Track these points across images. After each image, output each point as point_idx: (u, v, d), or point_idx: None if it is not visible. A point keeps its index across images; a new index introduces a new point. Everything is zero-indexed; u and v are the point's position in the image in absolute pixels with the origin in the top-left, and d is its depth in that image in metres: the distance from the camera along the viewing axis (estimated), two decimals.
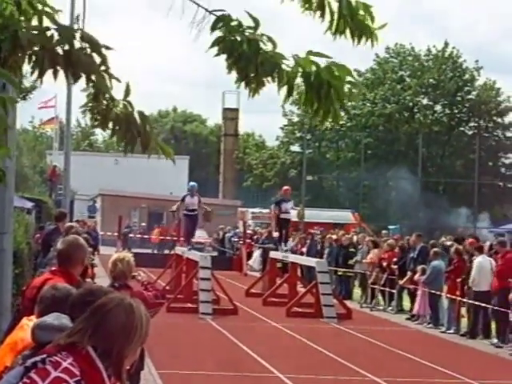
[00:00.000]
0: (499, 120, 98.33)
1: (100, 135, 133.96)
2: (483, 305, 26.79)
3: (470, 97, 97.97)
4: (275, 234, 41.89)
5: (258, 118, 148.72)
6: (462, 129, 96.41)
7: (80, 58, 6.07)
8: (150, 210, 64.19)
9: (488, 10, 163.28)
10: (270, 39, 6.10)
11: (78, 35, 6.10)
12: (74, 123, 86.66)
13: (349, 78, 6.25)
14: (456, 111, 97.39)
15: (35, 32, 6.19)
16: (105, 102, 6.40)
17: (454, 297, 28.93)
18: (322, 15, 6.28)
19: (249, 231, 61.97)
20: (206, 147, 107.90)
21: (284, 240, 36.51)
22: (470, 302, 27.73)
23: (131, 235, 56.60)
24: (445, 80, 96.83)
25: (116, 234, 54.55)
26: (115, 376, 4.98)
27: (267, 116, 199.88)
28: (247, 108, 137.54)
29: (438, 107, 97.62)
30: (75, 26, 5.96)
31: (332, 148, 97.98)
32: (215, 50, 6.11)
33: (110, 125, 6.42)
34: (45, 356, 4.88)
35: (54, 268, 10.18)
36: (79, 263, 10.12)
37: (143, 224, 62.51)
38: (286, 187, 40.01)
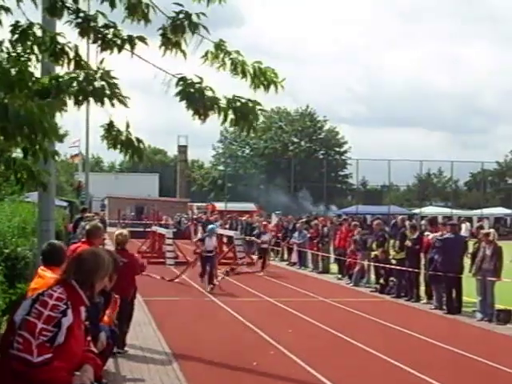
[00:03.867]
0: (337, 149, 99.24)
1: (106, 163, 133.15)
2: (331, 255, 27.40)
3: (321, 136, 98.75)
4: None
5: (198, 150, 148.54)
6: (316, 155, 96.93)
7: (101, 92, 6.15)
8: (136, 206, 63.59)
9: (330, 82, 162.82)
10: (210, 88, 6.21)
11: (98, 76, 6.06)
12: (90, 156, 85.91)
13: (260, 107, 6.39)
14: (313, 145, 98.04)
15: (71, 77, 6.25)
16: (114, 133, 6.53)
17: (313, 251, 29.50)
18: (245, 77, 6.47)
19: (194, 216, 62.35)
20: (168, 168, 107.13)
21: (262, 265, 27.95)
22: (325, 254, 28.34)
23: (126, 220, 56.16)
24: (306, 126, 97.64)
25: (117, 220, 54.65)
26: (89, 296, 5.06)
27: (203, 149, 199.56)
28: (192, 145, 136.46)
29: (303, 143, 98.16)
30: (99, 69, 5.72)
31: (242, 167, 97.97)
32: (179, 97, 6.22)
33: (119, 146, 6.54)
34: (44, 290, 4.96)
35: (83, 240, 10.49)
36: (98, 237, 10.46)
37: (132, 214, 61.93)
38: (264, 223, 34.05)
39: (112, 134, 6.45)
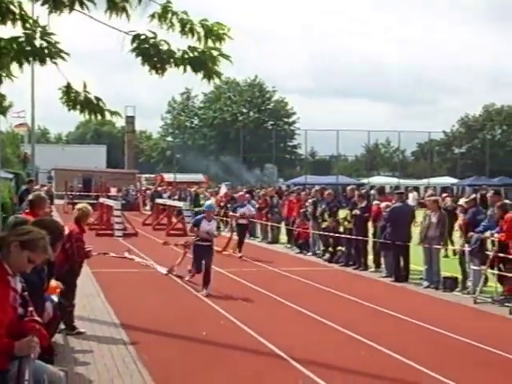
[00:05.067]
0: (286, 120, 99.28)
1: (52, 134, 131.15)
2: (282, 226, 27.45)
3: (269, 107, 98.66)
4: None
5: (146, 121, 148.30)
6: (265, 125, 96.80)
7: (41, 51, 6.03)
8: (83, 177, 62.71)
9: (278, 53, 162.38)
10: (165, 42, 6.18)
11: (38, 35, 6.05)
12: (36, 128, 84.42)
13: (218, 53, 6.32)
14: (262, 116, 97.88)
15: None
16: (72, 94, 6.43)
17: (262, 222, 29.54)
18: (193, 36, 6.37)
19: (143, 188, 62.26)
20: (116, 139, 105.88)
21: (239, 246, 23.55)
22: (274, 224, 28.40)
23: (73, 192, 55.46)
24: (255, 97, 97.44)
25: (64, 192, 54.16)
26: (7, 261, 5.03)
27: (152, 119, 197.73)
28: (139, 115, 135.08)
29: (252, 113, 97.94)
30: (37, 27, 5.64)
31: (191, 138, 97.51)
32: (135, 54, 6.15)
33: (78, 107, 6.44)
34: None
35: (27, 210, 10.33)
36: (42, 208, 10.28)
37: (80, 185, 61.20)
38: (241, 193, 28.57)
39: (70, 96, 6.39)
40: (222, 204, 36.19)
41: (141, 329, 11.69)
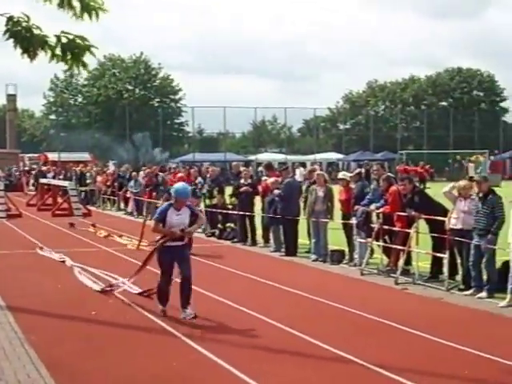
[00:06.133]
0: (172, 97, 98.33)
1: None
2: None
3: (155, 84, 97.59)
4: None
5: (28, 99, 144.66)
6: (151, 102, 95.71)
7: None
8: None
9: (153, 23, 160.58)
10: (37, 27, 6.07)
11: None
12: None
13: (88, 43, 6.23)
14: (148, 92, 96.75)
15: None
16: None
17: (149, 200, 29.27)
18: (70, 9, 6.26)
19: (26, 168, 60.87)
20: None
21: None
22: (160, 202, 28.20)
23: None
24: (140, 74, 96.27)
25: None
26: None
27: (34, 97, 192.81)
28: (21, 94, 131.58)
29: (137, 90, 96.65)
30: None
31: (75, 116, 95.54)
32: (6, 36, 6.01)
33: None
34: None
35: None
36: None
37: None
38: (180, 175, 24.16)
39: None
40: (108, 183, 35.98)
41: (28, 311, 11.48)
